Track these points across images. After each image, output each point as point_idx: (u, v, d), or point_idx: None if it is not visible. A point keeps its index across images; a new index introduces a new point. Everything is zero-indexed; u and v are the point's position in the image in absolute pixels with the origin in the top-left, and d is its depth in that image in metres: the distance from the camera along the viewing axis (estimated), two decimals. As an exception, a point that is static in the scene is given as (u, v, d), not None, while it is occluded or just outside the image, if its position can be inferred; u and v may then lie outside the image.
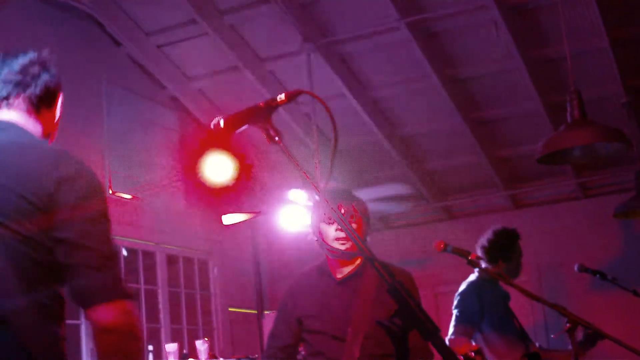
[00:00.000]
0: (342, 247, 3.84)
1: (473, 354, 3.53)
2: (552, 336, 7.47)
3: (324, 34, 7.42)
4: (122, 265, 2.26)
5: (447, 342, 5.47)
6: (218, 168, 6.92)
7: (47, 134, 2.68)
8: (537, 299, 3.93)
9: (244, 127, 2.33)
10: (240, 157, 7.01)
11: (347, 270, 3.94)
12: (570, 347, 3.93)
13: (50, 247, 2.40)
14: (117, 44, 7.78)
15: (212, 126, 2.33)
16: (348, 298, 3.87)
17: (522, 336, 5.68)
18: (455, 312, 5.58)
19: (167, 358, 6.36)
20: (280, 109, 2.34)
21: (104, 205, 2.50)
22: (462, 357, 3.53)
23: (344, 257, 3.92)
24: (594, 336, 5.64)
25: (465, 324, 5.50)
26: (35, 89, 2.62)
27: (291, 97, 2.30)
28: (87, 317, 2.42)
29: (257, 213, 7.89)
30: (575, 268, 5.60)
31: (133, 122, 7.91)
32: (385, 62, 7.77)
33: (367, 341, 3.74)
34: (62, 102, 2.73)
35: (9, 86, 2.62)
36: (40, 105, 2.63)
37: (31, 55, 2.67)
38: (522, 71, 7.55)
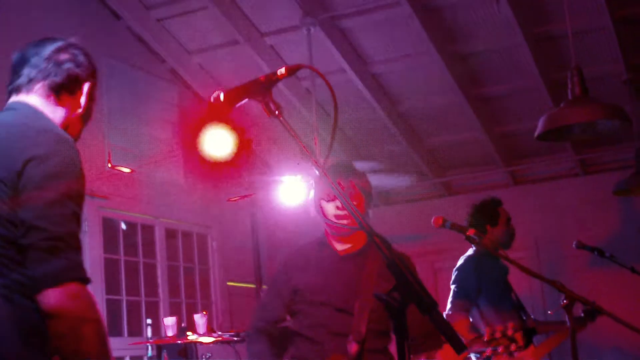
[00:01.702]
0: (339, 226, 3.87)
1: (511, 331, 3.54)
2: (549, 312, 7.50)
3: (324, 8, 7.39)
4: (79, 247, 2.20)
5: (445, 316, 5.50)
6: (217, 142, 6.91)
7: (69, 120, 2.71)
8: (535, 275, 3.95)
9: (244, 101, 2.33)
10: (239, 131, 7.00)
11: (348, 246, 3.95)
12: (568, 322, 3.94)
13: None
14: (117, 17, 7.74)
15: (212, 100, 2.33)
16: (351, 273, 3.87)
17: (519, 311, 5.71)
18: (453, 287, 5.60)
19: (165, 331, 6.39)
20: (280, 84, 2.34)
21: (72, 187, 2.43)
22: (500, 334, 3.55)
23: (344, 234, 3.93)
24: (594, 311, 5.67)
25: (463, 299, 5.53)
26: (56, 76, 2.67)
27: (291, 71, 2.30)
28: (37, 303, 2.34)
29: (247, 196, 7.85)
30: (574, 245, 5.62)
31: (132, 96, 7.90)
32: (385, 38, 7.75)
33: (372, 316, 3.75)
34: (89, 93, 2.76)
35: (33, 72, 2.68)
36: (61, 91, 2.68)
37: (59, 44, 2.73)
38: (524, 47, 7.53)
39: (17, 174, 2.37)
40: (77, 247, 2.40)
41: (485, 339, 3.51)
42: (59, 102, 2.68)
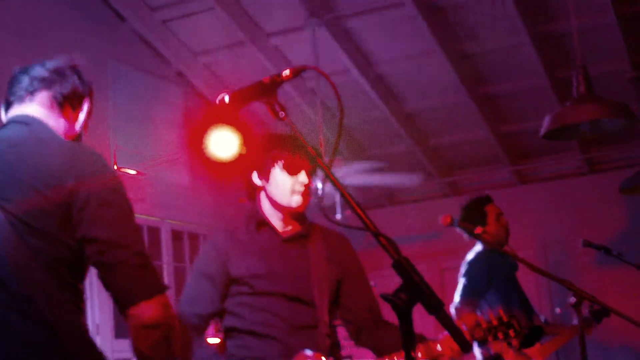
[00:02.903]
0: (295, 204, 3.41)
1: (506, 317, 3.49)
2: (557, 310, 7.49)
3: (329, 8, 7.40)
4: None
5: (453, 309, 5.50)
6: (223, 143, 6.92)
7: (69, 135, 2.70)
8: (543, 273, 3.94)
9: (249, 103, 2.33)
10: (245, 132, 7.00)
11: (290, 227, 3.50)
12: (575, 321, 3.94)
13: (73, 245, 2.40)
14: (122, 19, 7.75)
15: (217, 102, 2.32)
16: (296, 257, 3.45)
17: (526, 309, 5.70)
18: (462, 280, 5.58)
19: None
20: (285, 85, 2.34)
21: (127, 200, 2.50)
22: (496, 321, 3.50)
23: (295, 215, 3.48)
24: (600, 313, 5.67)
25: (472, 293, 5.52)
26: (60, 88, 2.67)
27: (296, 72, 2.30)
28: (127, 315, 2.47)
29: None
30: (581, 243, 5.60)
31: (138, 97, 7.90)
32: (390, 38, 7.75)
33: (331, 306, 3.46)
34: (89, 111, 2.76)
35: (36, 82, 2.66)
36: (64, 103, 2.67)
37: (65, 59, 2.75)
38: (529, 46, 7.52)
39: (69, 191, 2.38)
40: (151, 258, 2.56)
41: (484, 327, 3.47)
42: (61, 114, 2.67)
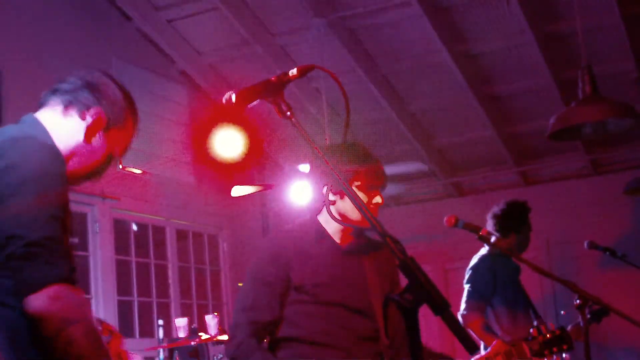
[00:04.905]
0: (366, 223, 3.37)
1: (559, 331, 3.49)
2: (562, 312, 7.48)
3: (334, 8, 7.39)
4: (61, 248, 2.23)
5: (460, 317, 5.49)
6: (228, 143, 6.91)
7: (74, 141, 2.66)
8: (548, 275, 3.93)
9: (255, 102, 2.32)
10: (250, 131, 7.00)
11: (349, 239, 3.49)
12: (580, 322, 3.94)
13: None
14: (127, 18, 7.76)
15: (223, 101, 2.31)
16: (354, 269, 3.45)
17: (531, 312, 5.69)
18: (467, 287, 5.58)
19: (176, 332, 6.40)
20: (290, 84, 2.34)
21: (48, 190, 2.36)
22: (550, 334, 3.51)
23: (356, 231, 3.50)
24: (600, 313, 5.66)
25: (478, 299, 5.51)
26: (70, 96, 2.66)
27: (303, 71, 2.30)
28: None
29: (267, 186, 7.90)
30: (585, 245, 5.60)
31: (143, 97, 7.88)
32: (395, 38, 7.74)
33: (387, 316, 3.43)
34: (101, 124, 2.68)
35: (50, 92, 2.68)
36: (70, 108, 2.65)
37: (82, 74, 2.72)
38: (534, 46, 7.51)
39: None
40: (59, 250, 2.34)
41: (540, 340, 3.48)
42: (66, 120, 2.65)
